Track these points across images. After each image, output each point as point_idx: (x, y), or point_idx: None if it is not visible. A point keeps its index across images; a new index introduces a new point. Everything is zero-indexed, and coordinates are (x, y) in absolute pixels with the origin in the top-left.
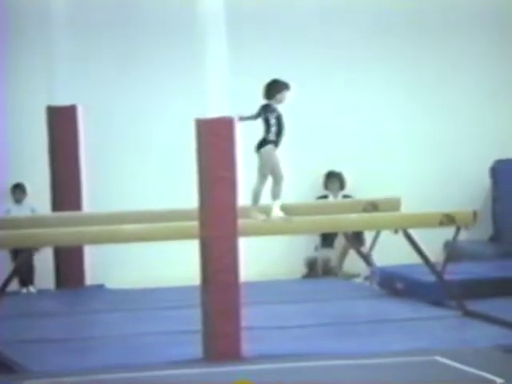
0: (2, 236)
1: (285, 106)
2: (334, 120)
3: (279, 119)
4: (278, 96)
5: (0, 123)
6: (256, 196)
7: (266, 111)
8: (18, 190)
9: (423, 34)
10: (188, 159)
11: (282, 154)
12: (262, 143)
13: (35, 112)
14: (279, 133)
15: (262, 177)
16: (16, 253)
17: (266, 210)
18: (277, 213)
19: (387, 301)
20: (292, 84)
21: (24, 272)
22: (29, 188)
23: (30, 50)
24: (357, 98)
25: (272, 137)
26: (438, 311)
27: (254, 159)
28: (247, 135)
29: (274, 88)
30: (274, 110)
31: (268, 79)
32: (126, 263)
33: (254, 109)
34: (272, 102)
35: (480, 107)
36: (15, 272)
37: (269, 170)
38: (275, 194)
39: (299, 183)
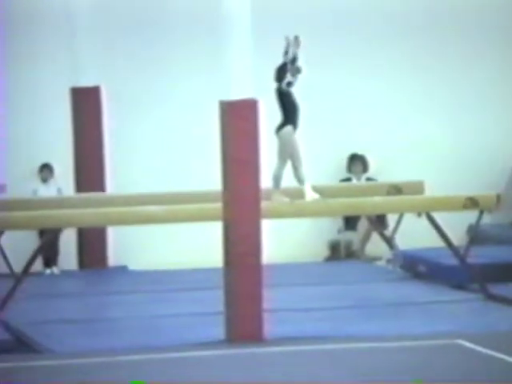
0: (25, 216)
1: (310, 88)
2: (357, 103)
3: (293, 101)
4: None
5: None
6: (277, 179)
7: (279, 94)
8: (46, 170)
9: (450, 24)
10: (211, 141)
11: (305, 136)
12: (281, 125)
13: (60, 93)
14: (295, 115)
15: (282, 160)
16: (42, 233)
17: (293, 193)
18: (311, 195)
19: (410, 284)
20: (316, 66)
21: (48, 253)
22: (56, 168)
23: (55, 32)
24: (381, 82)
25: (290, 119)
26: (461, 294)
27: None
28: (270, 117)
29: (284, 71)
30: (286, 93)
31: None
32: (148, 244)
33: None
34: (282, 85)
35: (504, 91)
36: (39, 252)
37: (288, 153)
38: (300, 178)
39: (322, 166)
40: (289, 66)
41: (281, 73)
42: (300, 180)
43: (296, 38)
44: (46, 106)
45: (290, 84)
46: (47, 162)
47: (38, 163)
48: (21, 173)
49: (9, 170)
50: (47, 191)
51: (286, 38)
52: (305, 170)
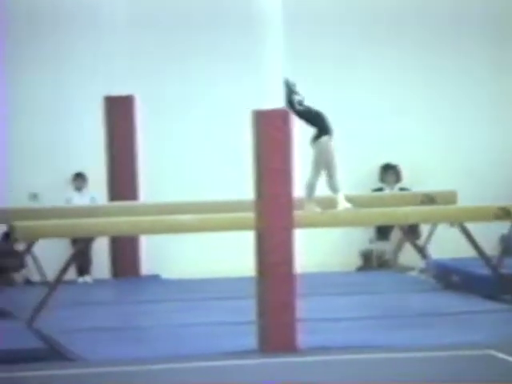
0: (58, 225)
1: (343, 98)
2: (391, 112)
3: (315, 113)
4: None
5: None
6: (311, 188)
7: (299, 116)
8: (79, 179)
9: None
10: (244, 150)
11: (337, 146)
12: (317, 136)
13: (94, 102)
14: (324, 123)
15: (317, 169)
16: (75, 242)
17: (325, 202)
18: (344, 204)
19: (442, 294)
20: (347, 77)
21: (81, 261)
22: (89, 177)
23: (88, 41)
24: (415, 92)
25: (322, 129)
26: (493, 305)
27: (310, 151)
28: (303, 126)
29: (289, 95)
30: (304, 111)
31: (323, 72)
32: (181, 253)
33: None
34: (296, 107)
35: None
36: (72, 260)
37: (324, 162)
38: (334, 187)
39: (355, 175)
40: (288, 89)
41: (288, 98)
42: (334, 189)
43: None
44: (79, 114)
45: (301, 102)
46: (81, 170)
47: (72, 172)
48: (54, 181)
49: (42, 178)
50: (81, 200)
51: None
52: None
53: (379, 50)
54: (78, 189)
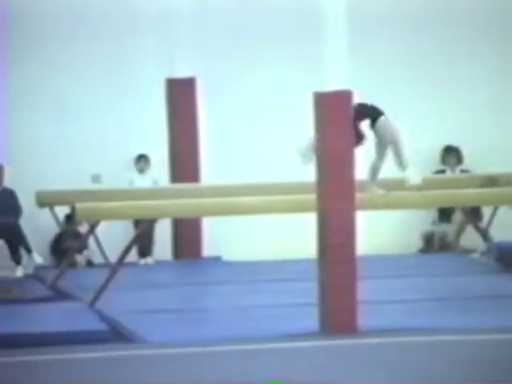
0: (122, 207)
1: (404, 81)
2: (452, 93)
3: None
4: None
5: None
6: (375, 171)
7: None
8: (142, 161)
9: None
10: (306, 132)
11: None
12: (373, 120)
13: (156, 84)
14: (374, 108)
15: (381, 151)
16: (137, 224)
17: (388, 184)
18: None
19: (504, 276)
20: (411, 60)
21: (143, 243)
22: (151, 159)
23: (151, 23)
24: (476, 72)
25: (377, 112)
26: None
27: (371, 133)
28: None
29: None
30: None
31: (384, 55)
32: (243, 236)
33: (371, 82)
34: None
35: None
36: (134, 242)
37: (389, 141)
38: (402, 163)
39: (416, 158)
40: None
41: None
42: (403, 166)
43: None
44: (142, 96)
45: None
46: (143, 152)
47: (135, 154)
48: (117, 163)
49: (105, 160)
50: (143, 182)
51: None
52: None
53: (440, 38)
54: (141, 171)
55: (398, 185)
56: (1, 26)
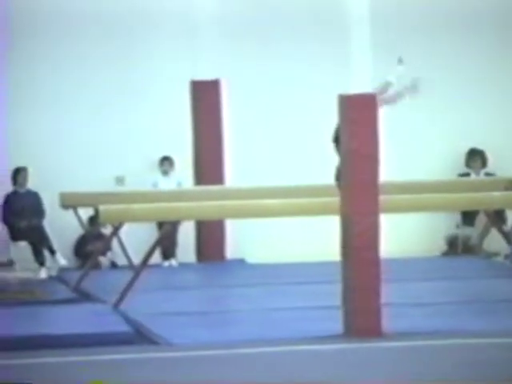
0: (146, 209)
1: (429, 83)
2: (478, 97)
3: None
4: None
5: None
6: None
7: None
8: (166, 163)
9: None
10: (330, 135)
11: (424, 131)
12: None
13: (180, 86)
14: None
15: None
16: (161, 226)
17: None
18: None
19: None
20: (436, 61)
21: (167, 245)
22: (176, 161)
23: (176, 25)
24: (501, 78)
25: None
26: None
27: (396, 136)
28: (389, 112)
29: None
30: None
31: (408, 55)
32: (267, 238)
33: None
34: None
35: None
36: (157, 244)
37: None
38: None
39: (441, 161)
40: None
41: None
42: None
43: None
44: (166, 98)
45: None
46: (167, 154)
47: (159, 156)
48: (141, 165)
49: (129, 162)
50: (167, 184)
51: None
52: (423, 164)
53: (464, 39)
54: (165, 173)
55: (419, 188)
56: (6, 26)
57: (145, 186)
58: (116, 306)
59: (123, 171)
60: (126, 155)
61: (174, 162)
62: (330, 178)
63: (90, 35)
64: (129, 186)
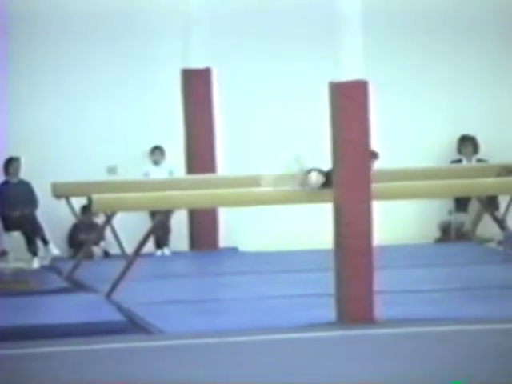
0: (139, 198)
1: (422, 70)
2: (468, 83)
3: None
4: None
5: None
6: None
7: None
8: (157, 152)
9: None
10: (321, 122)
11: (416, 118)
12: None
13: (171, 74)
14: None
15: None
16: (153, 215)
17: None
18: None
19: None
20: (427, 50)
21: (159, 234)
22: (167, 150)
23: (167, 14)
24: (493, 65)
25: None
26: None
27: (388, 123)
28: (380, 98)
29: None
30: None
31: (403, 44)
32: (259, 226)
33: (388, 73)
34: None
35: None
36: (150, 233)
37: None
38: None
39: (433, 147)
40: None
41: None
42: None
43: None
44: (157, 87)
45: None
46: (159, 144)
47: (150, 145)
48: (133, 155)
49: (120, 152)
50: (159, 173)
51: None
52: (415, 151)
53: (457, 28)
54: (156, 162)
55: (411, 175)
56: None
57: (136, 176)
58: (109, 295)
59: (115, 161)
60: (117, 145)
61: (165, 152)
62: (321, 166)
63: (83, 29)
64: (120, 176)
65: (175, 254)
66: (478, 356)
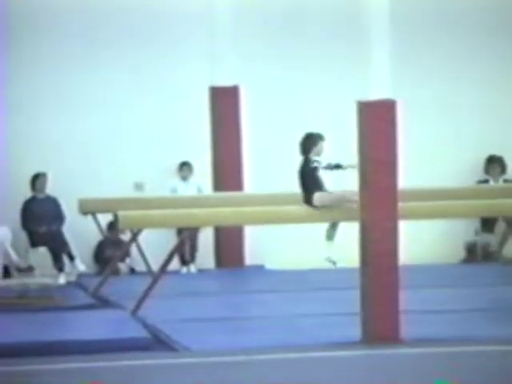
0: (165, 215)
1: (448, 92)
2: (496, 103)
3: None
4: (315, 149)
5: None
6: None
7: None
8: (185, 168)
9: None
10: (348, 141)
11: (441, 137)
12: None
13: (199, 92)
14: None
15: None
16: (180, 232)
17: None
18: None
19: None
20: (455, 69)
21: (186, 251)
22: (195, 166)
23: (194, 31)
24: None
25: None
26: None
27: (415, 142)
28: (408, 118)
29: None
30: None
31: (430, 64)
32: (286, 244)
33: (415, 92)
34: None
35: None
36: (176, 250)
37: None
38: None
39: (459, 167)
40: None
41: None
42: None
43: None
44: (185, 104)
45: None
46: (187, 160)
47: (177, 161)
48: (159, 171)
49: (148, 168)
50: (186, 189)
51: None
52: (442, 171)
53: (483, 46)
54: (184, 178)
55: (438, 195)
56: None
57: (164, 191)
58: (134, 312)
59: (142, 177)
60: (144, 161)
61: (193, 168)
62: (349, 184)
63: (110, 40)
64: (148, 192)
65: (201, 271)
66: (504, 377)
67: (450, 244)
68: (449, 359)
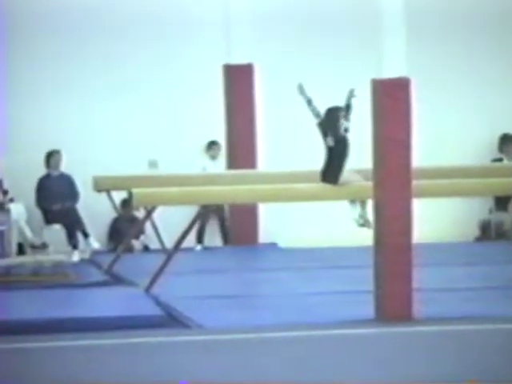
0: (179, 192)
1: (464, 69)
2: (509, 81)
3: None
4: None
5: None
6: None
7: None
8: (214, 147)
9: None
10: (362, 119)
11: (459, 116)
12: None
13: (214, 70)
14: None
15: None
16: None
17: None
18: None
19: None
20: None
21: (200, 229)
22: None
23: (208, 12)
24: None
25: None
26: None
27: (429, 121)
28: (423, 97)
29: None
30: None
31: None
32: (299, 222)
33: (429, 70)
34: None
35: None
36: (191, 228)
37: None
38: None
39: (474, 146)
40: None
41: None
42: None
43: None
44: (199, 83)
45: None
46: (215, 139)
47: (204, 141)
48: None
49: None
50: (215, 168)
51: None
52: (456, 149)
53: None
54: (213, 157)
55: (452, 173)
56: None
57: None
58: (148, 289)
59: (157, 155)
60: (159, 140)
61: (221, 147)
62: (364, 163)
63: (125, 20)
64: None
65: (214, 249)
66: None
67: (464, 222)
68: (461, 337)
